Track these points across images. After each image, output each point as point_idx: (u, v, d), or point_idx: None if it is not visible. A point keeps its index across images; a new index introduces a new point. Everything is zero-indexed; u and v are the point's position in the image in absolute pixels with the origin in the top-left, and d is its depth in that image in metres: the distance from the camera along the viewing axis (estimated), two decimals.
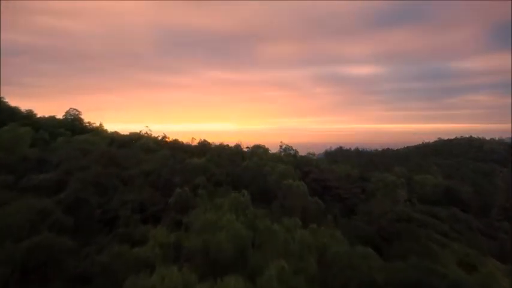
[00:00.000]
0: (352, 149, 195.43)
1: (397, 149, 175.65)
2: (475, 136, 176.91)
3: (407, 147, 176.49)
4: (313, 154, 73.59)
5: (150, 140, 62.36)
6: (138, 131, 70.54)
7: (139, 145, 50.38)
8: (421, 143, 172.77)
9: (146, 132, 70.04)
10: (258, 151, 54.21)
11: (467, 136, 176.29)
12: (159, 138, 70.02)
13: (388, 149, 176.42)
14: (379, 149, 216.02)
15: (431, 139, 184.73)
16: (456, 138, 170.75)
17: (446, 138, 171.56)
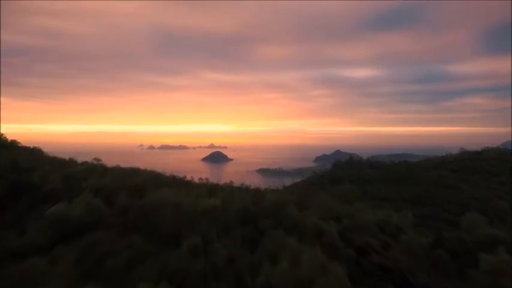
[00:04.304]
0: (362, 156, 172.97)
1: (416, 162, 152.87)
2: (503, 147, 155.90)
3: (429, 159, 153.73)
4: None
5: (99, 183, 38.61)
6: (94, 162, 47.19)
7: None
8: (444, 155, 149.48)
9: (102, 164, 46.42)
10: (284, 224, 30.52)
11: (494, 147, 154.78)
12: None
13: (405, 161, 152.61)
14: (394, 158, 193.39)
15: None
16: (486, 150, 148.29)
17: (472, 150, 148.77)
